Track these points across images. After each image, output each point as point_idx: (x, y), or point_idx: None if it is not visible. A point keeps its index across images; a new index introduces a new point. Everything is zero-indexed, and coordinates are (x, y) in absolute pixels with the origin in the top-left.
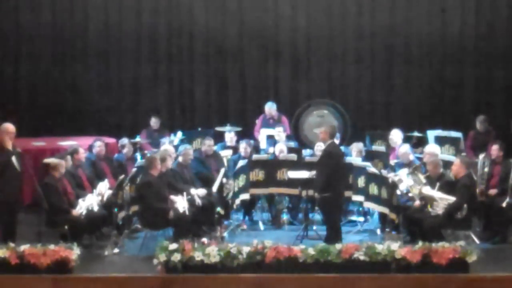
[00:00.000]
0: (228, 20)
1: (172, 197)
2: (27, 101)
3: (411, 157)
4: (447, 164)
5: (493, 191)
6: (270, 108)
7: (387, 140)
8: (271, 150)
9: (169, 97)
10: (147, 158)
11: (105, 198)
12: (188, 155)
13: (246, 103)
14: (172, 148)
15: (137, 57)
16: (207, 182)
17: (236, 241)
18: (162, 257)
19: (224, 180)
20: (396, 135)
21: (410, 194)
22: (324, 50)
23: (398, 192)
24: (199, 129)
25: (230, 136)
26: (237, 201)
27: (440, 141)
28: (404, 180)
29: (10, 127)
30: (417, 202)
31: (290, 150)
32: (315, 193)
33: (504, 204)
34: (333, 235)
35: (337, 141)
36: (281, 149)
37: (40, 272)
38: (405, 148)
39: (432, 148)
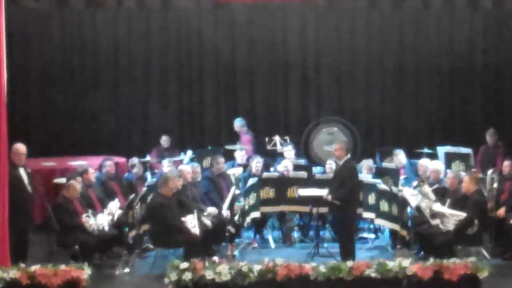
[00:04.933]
0: (237, 39)
1: (183, 218)
2: (37, 122)
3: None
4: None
5: (502, 212)
6: (235, 124)
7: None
8: (280, 168)
9: (179, 115)
10: (161, 176)
11: (115, 218)
12: (196, 173)
13: (256, 121)
14: (188, 168)
15: (147, 76)
16: (217, 202)
17: (247, 259)
18: (173, 276)
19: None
20: (400, 156)
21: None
22: (333, 67)
23: (409, 209)
24: (209, 147)
25: (240, 154)
26: (248, 219)
27: (450, 157)
28: (415, 197)
29: (21, 148)
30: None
31: (300, 167)
32: (333, 200)
33: None
34: (348, 250)
35: None
36: (285, 165)
37: None
38: (440, 165)
39: (436, 165)
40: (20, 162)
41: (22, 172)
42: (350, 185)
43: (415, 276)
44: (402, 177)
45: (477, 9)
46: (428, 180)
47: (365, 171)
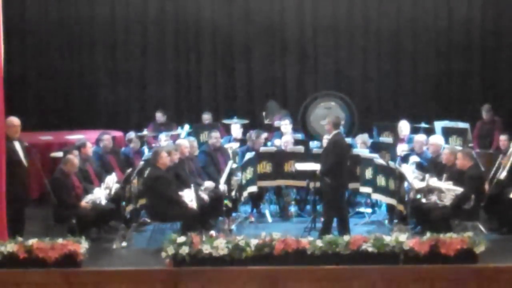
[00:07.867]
0: (235, 13)
1: (180, 192)
2: (34, 95)
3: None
4: None
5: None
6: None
7: (394, 131)
8: (277, 142)
9: (176, 90)
10: (153, 151)
11: (112, 192)
12: (193, 148)
13: (253, 96)
14: (186, 142)
15: (144, 51)
16: (214, 176)
17: (244, 234)
18: (170, 250)
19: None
20: (404, 126)
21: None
22: (331, 42)
23: (406, 184)
24: (206, 122)
25: (236, 128)
26: (245, 194)
27: (447, 132)
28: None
29: (15, 120)
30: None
31: (297, 142)
32: (321, 176)
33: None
34: (328, 228)
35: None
36: (286, 140)
37: (48, 266)
38: (440, 139)
39: (436, 139)
40: (14, 135)
41: (17, 145)
42: (333, 158)
43: (412, 251)
44: (399, 152)
45: None
46: (422, 155)
47: (360, 146)
